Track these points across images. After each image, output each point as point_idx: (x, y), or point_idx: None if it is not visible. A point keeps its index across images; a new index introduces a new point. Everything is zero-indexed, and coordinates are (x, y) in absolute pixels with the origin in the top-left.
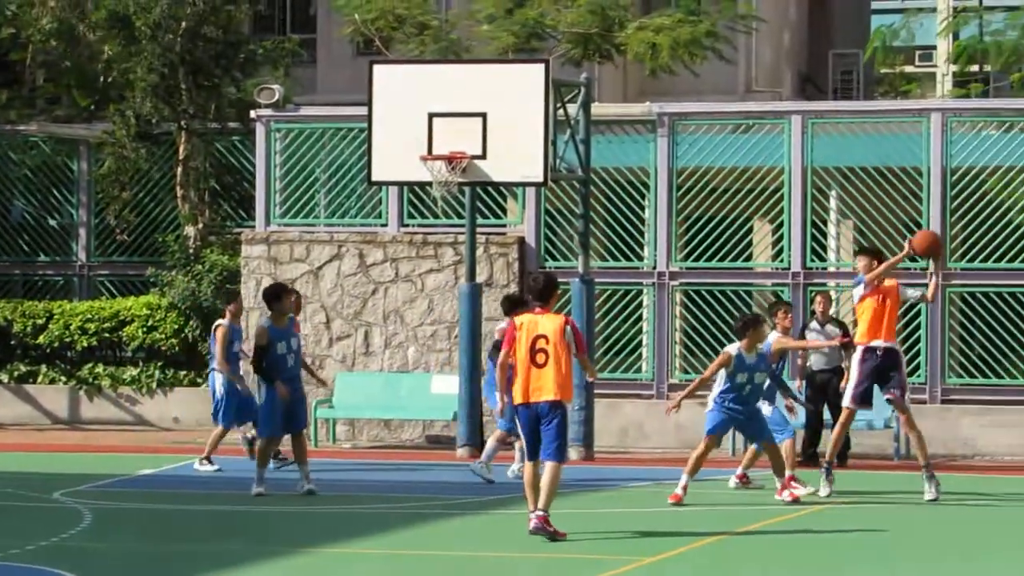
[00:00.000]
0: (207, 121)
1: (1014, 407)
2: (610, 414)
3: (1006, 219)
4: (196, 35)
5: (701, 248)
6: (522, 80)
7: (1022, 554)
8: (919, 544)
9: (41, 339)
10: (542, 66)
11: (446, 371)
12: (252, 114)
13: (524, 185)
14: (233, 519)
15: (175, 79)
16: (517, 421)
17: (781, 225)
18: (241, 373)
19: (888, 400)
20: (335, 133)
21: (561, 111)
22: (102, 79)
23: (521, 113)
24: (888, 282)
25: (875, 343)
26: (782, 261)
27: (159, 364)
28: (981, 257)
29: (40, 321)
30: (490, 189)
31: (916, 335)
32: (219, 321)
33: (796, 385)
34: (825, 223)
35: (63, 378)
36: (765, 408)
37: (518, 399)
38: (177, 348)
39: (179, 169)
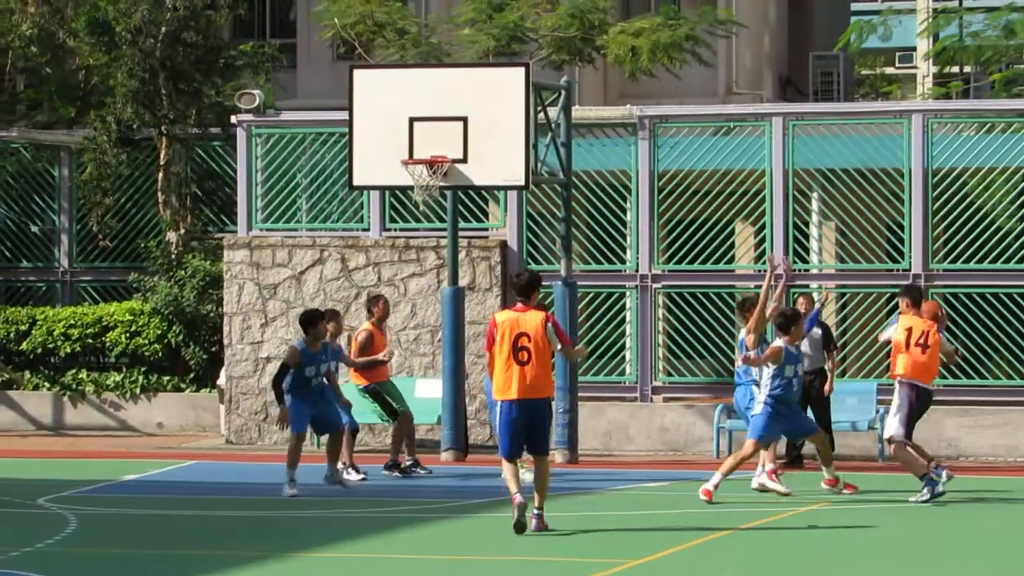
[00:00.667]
0: (188, 126)
1: (997, 408)
2: (594, 417)
3: (987, 220)
4: (176, 40)
5: (683, 250)
6: (503, 84)
7: (1006, 554)
8: (904, 545)
9: (24, 345)
10: (522, 70)
11: (430, 375)
12: (233, 119)
13: (506, 188)
14: (219, 524)
15: (155, 84)
16: (497, 417)
17: (763, 227)
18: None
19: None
20: (316, 138)
21: (542, 114)
22: (82, 85)
23: (502, 117)
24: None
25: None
26: (764, 263)
27: (142, 369)
28: (963, 258)
29: (23, 327)
30: (472, 193)
31: None
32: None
33: None
34: (807, 224)
35: (47, 384)
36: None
37: (500, 395)
38: (160, 353)
39: (160, 175)
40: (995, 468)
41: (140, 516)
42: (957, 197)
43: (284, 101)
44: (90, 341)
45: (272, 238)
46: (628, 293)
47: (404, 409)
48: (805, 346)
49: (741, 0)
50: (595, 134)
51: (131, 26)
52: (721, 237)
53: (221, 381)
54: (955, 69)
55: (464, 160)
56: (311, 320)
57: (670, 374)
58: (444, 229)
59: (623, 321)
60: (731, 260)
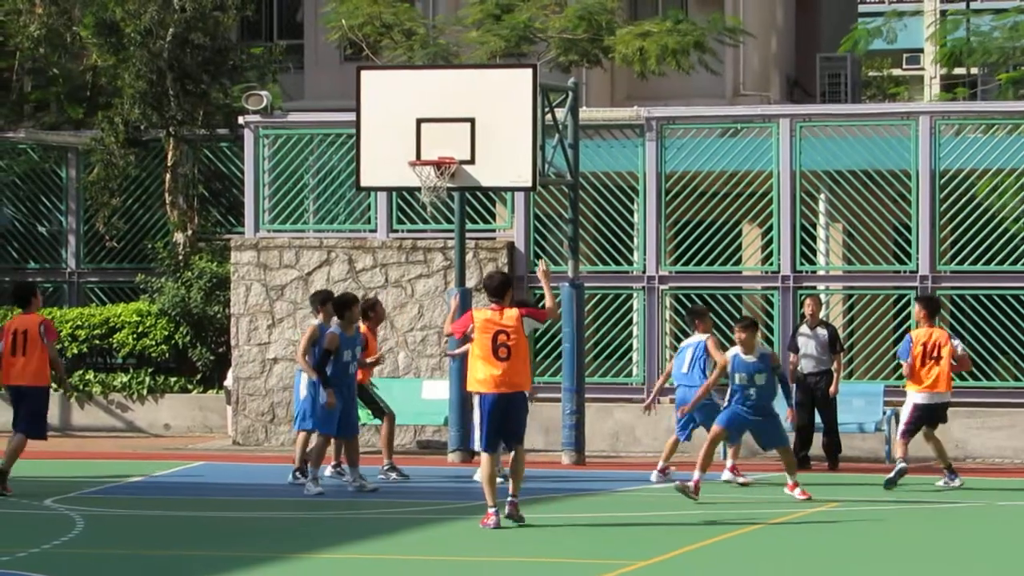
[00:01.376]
0: (195, 127)
1: (1005, 409)
2: (601, 418)
3: (995, 222)
4: (184, 42)
5: (690, 252)
6: (510, 85)
7: (1015, 556)
8: (911, 547)
9: None
10: (530, 71)
11: (436, 376)
12: (240, 120)
13: (513, 190)
14: (225, 525)
15: (163, 86)
16: (477, 411)
17: (770, 229)
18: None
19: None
20: (324, 139)
21: (549, 116)
22: (90, 86)
23: (509, 118)
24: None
25: None
26: (771, 265)
27: (149, 371)
28: (970, 260)
29: None
30: (479, 194)
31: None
32: (311, 321)
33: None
34: (814, 226)
35: (53, 385)
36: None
37: (480, 389)
38: (167, 354)
39: (168, 176)
40: (1002, 470)
41: (147, 517)
42: (964, 199)
43: (291, 102)
44: (97, 342)
45: (279, 239)
46: (635, 294)
47: (390, 410)
48: (812, 348)
49: (749, 2)
50: (602, 135)
51: (139, 27)
52: (728, 239)
53: (228, 382)
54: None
55: (471, 161)
56: (346, 304)
57: None
58: (451, 230)
59: (630, 322)
60: (738, 262)
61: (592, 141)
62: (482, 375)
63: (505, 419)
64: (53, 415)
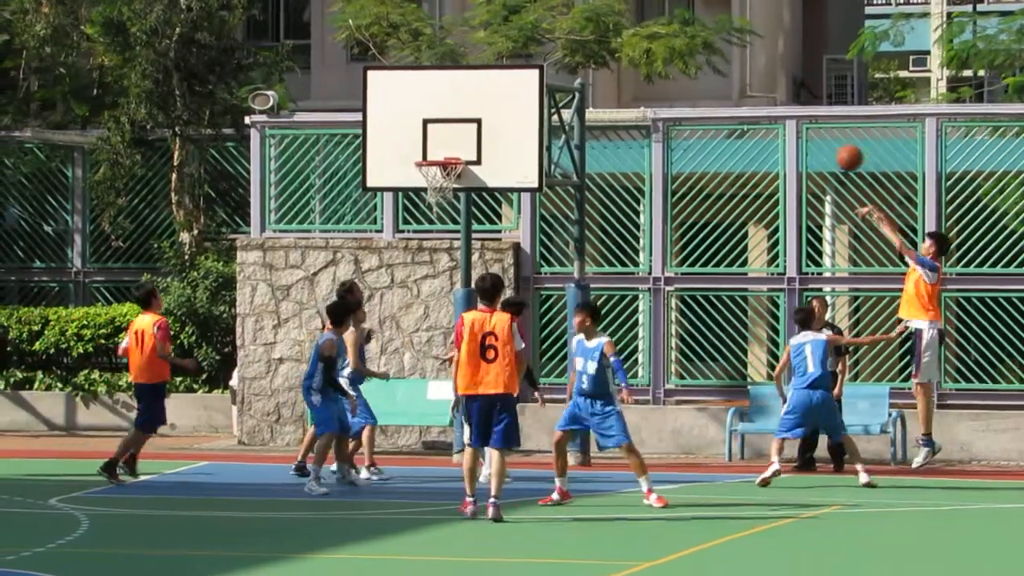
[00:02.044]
0: (201, 127)
1: (1010, 412)
2: None
3: (1001, 224)
4: (190, 41)
5: (696, 253)
6: (517, 86)
7: (1019, 559)
8: (916, 549)
9: (37, 345)
10: (536, 72)
11: (442, 377)
12: (247, 120)
13: (519, 191)
14: (230, 525)
15: (169, 85)
16: (466, 410)
17: (776, 230)
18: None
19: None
20: (330, 139)
21: (556, 116)
22: (96, 85)
23: (516, 119)
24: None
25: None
26: (777, 266)
27: None
28: (977, 262)
29: (36, 327)
30: (485, 195)
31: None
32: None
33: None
34: (820, 228)
35: (59, 384)
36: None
37: (468, 390)
38: (173, 354)
39: (174, 175)
40: (1007, 472)
41: (152, 517)
42: (971, 201)
43: (298, 102)
44: (103, 341)
45: (285, 239)
46: (641, 296)
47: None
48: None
49: (756, 3)
50: (609, 136)
51: (145, 27)
52: (734, 240)
53: (233, 382)
54: (968, 73)
55: (478, 162)
56: (346, 311)
57: (683, 377)
58: (457, 231)
59: (636, 324)
60: (744, 263)
61: (598, 142)
62: (468, 375)
63: (488, 420)
64: (59, 415)
